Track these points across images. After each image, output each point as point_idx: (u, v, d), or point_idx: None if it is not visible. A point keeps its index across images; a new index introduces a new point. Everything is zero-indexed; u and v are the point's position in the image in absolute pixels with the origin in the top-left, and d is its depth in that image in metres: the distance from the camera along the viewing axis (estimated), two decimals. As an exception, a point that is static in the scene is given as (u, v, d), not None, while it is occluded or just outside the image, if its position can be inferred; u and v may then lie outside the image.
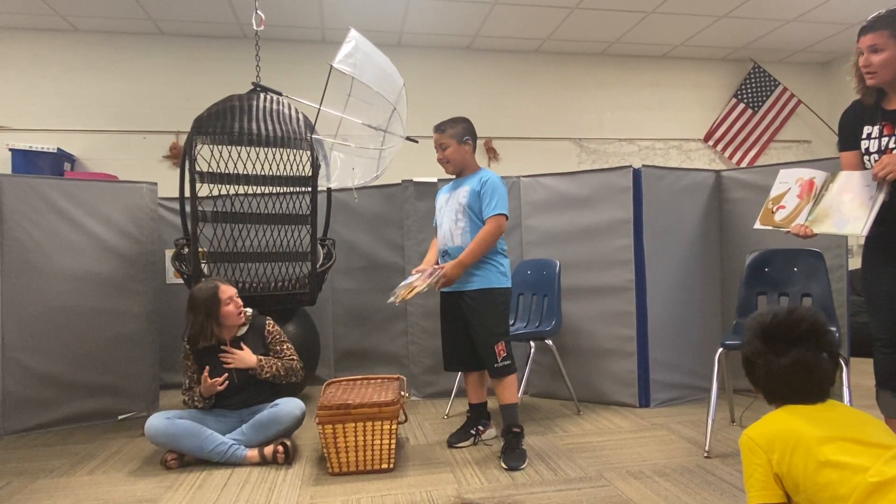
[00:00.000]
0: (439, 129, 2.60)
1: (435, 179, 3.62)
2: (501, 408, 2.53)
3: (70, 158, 4.86)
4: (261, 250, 3.25)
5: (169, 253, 4.05)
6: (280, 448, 2.48)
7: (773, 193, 2.52)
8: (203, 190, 3.07)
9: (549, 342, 3.11)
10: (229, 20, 4.82)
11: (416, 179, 3.63)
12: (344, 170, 3.36)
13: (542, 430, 2.92)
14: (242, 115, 3.00)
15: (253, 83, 3.34)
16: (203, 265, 3.27)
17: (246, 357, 2.63)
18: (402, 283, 2.55)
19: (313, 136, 3.02)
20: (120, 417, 3.32)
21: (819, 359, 1.35)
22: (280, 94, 3.32)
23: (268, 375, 2.65)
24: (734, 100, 5.71)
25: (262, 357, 2.66)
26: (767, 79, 5.66)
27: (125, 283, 3.38)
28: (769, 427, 1.35)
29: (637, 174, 3.31)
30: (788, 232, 2.38)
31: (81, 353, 3.23)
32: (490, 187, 2.52)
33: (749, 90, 5.67)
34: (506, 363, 2.49)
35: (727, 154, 5.68)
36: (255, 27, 3.37)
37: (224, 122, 2.96)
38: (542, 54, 5.58)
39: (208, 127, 2.95)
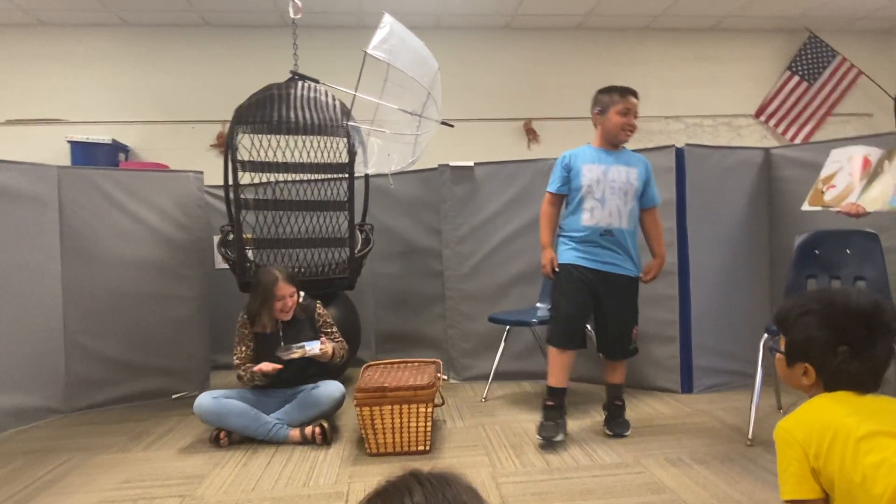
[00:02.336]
0: (636, 94, 2.59)
1: (471, 163, 3.61)
2: (615, 386, 2.65)
3: (124, 149, 5.06)
4: (301, 236, 3.33)
5: (217, 239, 4.19)
6: (318, 430, 2.56)
7: (824, 173, 2.40)
8: (245, 178, 3.16)
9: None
10: (270, 9, 4.89)
11: (452, 164, 3.63)
12: (381, 156, 3.39)
13: (581, 414, 2.91)
14: (281, 104, 3.05)
15: (291, 71, 3.39)
16: (249, 251, 3.38)
17: (327, 350, 2.69)
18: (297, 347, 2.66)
19: (349, 122, 3.05)
20: (174, 396, 3.49)
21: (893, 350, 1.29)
22: (317, 81, 3.36)
23: (333, 360, 2.75)
24: (788, 72, 5.43)
25: (333, 345, 2.74)
26: (824, 49, 5.35)
27: (176, 268, 3.53)
28: (808, 418, 1.29)
29: (680, 153, 3.21)
30: (839, 212, 2.27)
31: (137, 336, 3.40)
32: (652, 173, 2.66)
33: (804, 62, 5.38)
34: (636, 346, 2.66)
35: (780, 130, 5.42)
36: (291, 15, 3.41)
37: (263, 111, 3.03)
38: (583, 31, 5.43)
39: (248, 117, 3.02)
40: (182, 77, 5.21)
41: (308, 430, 2.58)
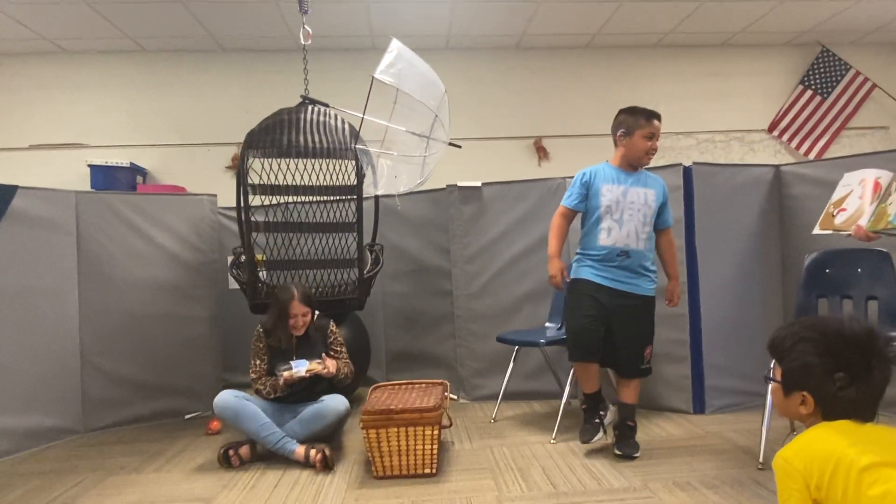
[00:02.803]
0: (660, 117, 2.61)
1: (479, 184, 3.63)
2: (625, 406, 2.62)
3: (142, 172, 5.18)
4: (311, 258, 3.37)
5: (230, 260, 4.26)
6: (319, 456, 2.53)
7: (835, 197, 2.39)
8: (255, 200, 3.22)
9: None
10: (283, 34, 4.99)
11: (460, 184, 3.65)
12: (390, 177, 3.43)
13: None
14: (290, 129, 3.11)
15: (301, 96, 3.45)
16: (261, 272, 3.43)
17: (331, 366, 2.77)
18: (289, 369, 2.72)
19: (357, 146, 3.10)
20: (186, 417, 3.53)
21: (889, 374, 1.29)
22: (327, 105, 3.42)
23: (337, 376, 2.82)
24: (801, 87, 5.39)
25: (338, 363, 2.82)
26: (837, 62, 5.31)
27: (189, 289, 3.59)
28: (808, 448, 1.27)
29: (688, 172, 3.20)
30: (849, 235, 2.25)
31: (151, 356, 3.46)
32: (668, 196, 2.67)
33: (817, 76, 5.34)
34: (649, 366, 2.63)
35: (794, 145, 5.37)
36: (302, 41, 3.49)
37: (273, 135, 3.09)
38: (592, 49, 5.46)
39: (259, 141, 3.08)
40: (198, 101, 5.33)
41: (312, 453, 2.58)
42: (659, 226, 2.66)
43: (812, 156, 5.30)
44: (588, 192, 2.61)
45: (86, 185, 4.83)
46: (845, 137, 5.39)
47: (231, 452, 2.63)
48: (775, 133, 5.41)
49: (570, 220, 2.69)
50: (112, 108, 5.26)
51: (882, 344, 1.30)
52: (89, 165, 4.89)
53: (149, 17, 4.59)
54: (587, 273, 2.59)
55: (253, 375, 2.82)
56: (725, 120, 5.45)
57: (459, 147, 3.41)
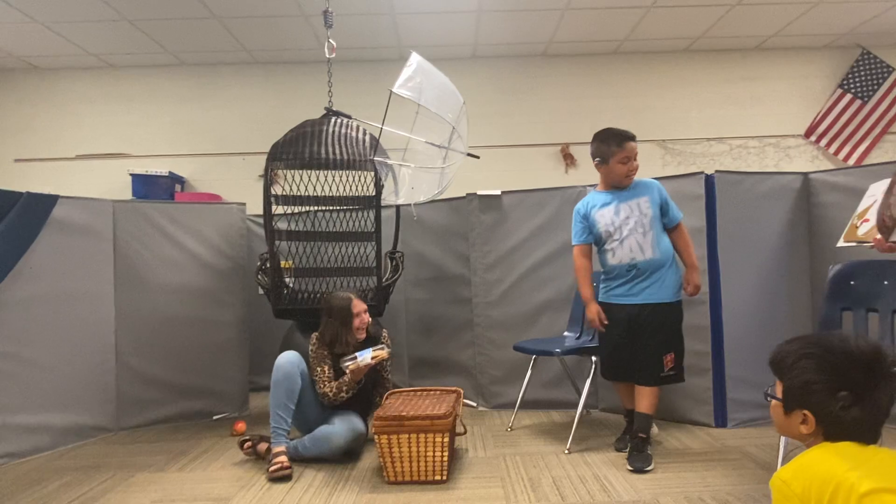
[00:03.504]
0: (633, 137, 2.67)
1: (498, 192, 3.65)
2: (641, 415, 2.62)
3: (180, 180, 5.40)
4: (332, 265, 3.45)
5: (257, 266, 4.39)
6: (276, 467, 2.56)
7: (860, 208, 2.33)
8: (281, 209, 3.32)
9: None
10: (314, 46, 5.13)
11: (480, 192, 3.68)
12: (409, 187, 3.49)
13: (607, 447, 2.86)
14: (313, 141, 3.20)
15: (325, 108, 3.55)
16: (288, 280, 3.53)
17: (382, 355, 2.76)
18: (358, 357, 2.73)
19: (376, 157, 3.17)
20: (215, 417, 3.65)
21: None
22: (349, 117, 3.51)
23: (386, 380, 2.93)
24: (840, 90, 5.21)
25: (387, 352, 2.81)
26: (879, 65, 5.12)
27: (219, 294, 3.72)
28: (807, 470, 1.23)
29: (710, 180, 3.15)
30: (872, 246, 2.19)
31: (182, 359, 3.60)
32: (665, 192, 2.70)
33: (857, 79, 5.16)
34: (671, 373, 2.62)
35: (832, 150, 5.20)
36: (327, 55, 3.58)
37: (296, 148, 3.18)
38: (620, 55, 5.42)
39: (282, 153, 3.18)
40: (234, 111, 5.52)
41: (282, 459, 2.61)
42: (667, 225, 2.68)
43: (851, 161, 5.12)
44: (588, 223, 2.74)
45: (128, 194, 5.07)
46: (887, 143, 5.19)
47: (247, 444, 2.80)
48: (812, 138, 5.25)
49: (589, 255, 2.79)
50: (153, 120, 5.50)
51: (889, 363, 1.27)
52: (131, 174, 5.12)
53: (187, 33, 4.80)
54: (604, 295, 2.75)
55: (321, 382, 2.78)
56: (760, 125, 5.32)
57: (478, 158, 3.44)
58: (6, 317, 2.94)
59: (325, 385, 2.77)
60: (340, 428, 2.71)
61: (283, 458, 2.59)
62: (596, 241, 2.75)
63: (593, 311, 2.69)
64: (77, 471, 2.77)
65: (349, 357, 2.74)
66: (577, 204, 2.82)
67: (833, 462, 1.20)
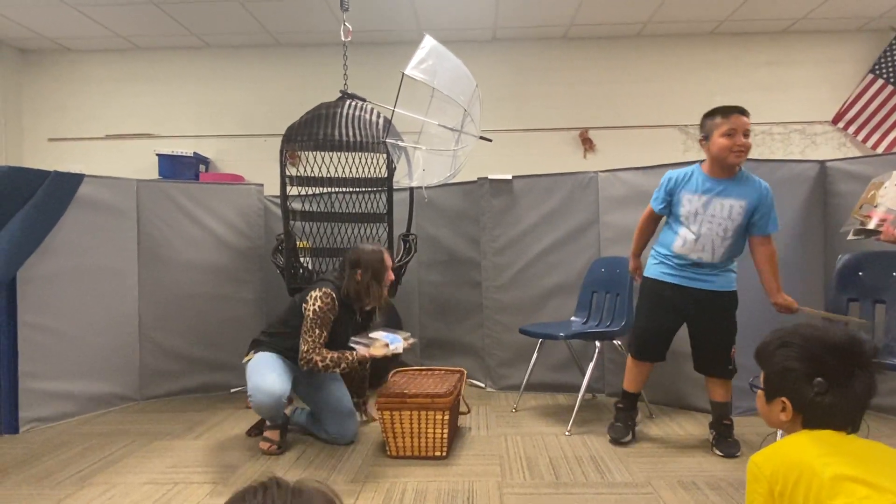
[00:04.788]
0: (743, 111, 2.41)
1: (510, 176, 3.67)
2: (719, 404, 2.61)
3: (204, 161, 5.53)
4: (346, 246, 3.53)
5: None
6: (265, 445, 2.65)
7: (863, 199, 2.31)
8: (296, 190, 3.40)
9: (618, 342, 3.07)
10: (334, 29, 5.14)
11: (491, 177, 3.70)
12: (423, 168, 3.54)
13: (603, 429, 2.90)
14: (327, 123, 3.27)
15: (341, 91, 3.60)
16: (304, 259, 3.63)
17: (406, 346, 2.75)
18: (376, 339, 2.67)
19: (387, 140, 3.21)
20: (232, 390, 3.80)
21: (874, 385, 1.27)
22: (364, 100, 3.56)
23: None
24: (871, 75, 5.05)
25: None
26: (913, 49, 4.94)
27: (237, 272, 3.85)
28: (779, 454, 1.27)
29: (722, 168, 3.11)
30: (879, 238, 2.19)
31: (201, 333, 3.74)
32: (769, 201, 2.44)
33: (890, 63, 4.98)
34: (734, 366, 2.58)
35: (861, 137, 5.05)
36: (342, 38, 3.63)
37: (311, 129, 3.25)
38: (643, 38, 5.33)
39: (297, 135, 3.26)
40: (257, 93, 5.61)
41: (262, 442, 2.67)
42: (752, 232, 2.45)
43: (881, 149, 4.98)
44: (672, 198, 2.56)
45: (154, 173, 5.22)
46: (920, 130, 5.02)
47: (253, 433, 2.85)
48: (840, 125, 5.11)
49: (656, 222, 2.68)
50: (179, 101, 5.63)
51: (866, 352, 1.29)
52: (157, 154, 5.27)
53: (211, 16, 4.88)
54: (657, 272, 2.58)
55: (311, 346, 2.57)
56: (785, 111, 5.19)
57: (490, 141, 3.46)
58: (35, 290, 3.10)
59: (315, 351, 2.56)
60: (346, 432, 2.74)
61: (276, 434, 2.65)
62: (672, 215, 2.58)
63: (632, 265, 2.74)
64: (100, 436, 2.93)
65: (369, 339, 2.64)
66: (672, 171, 2.58)
67: (806, 448, 1.23)
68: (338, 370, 2.63)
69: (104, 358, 3.41)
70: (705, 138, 2.47)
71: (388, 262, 2.76)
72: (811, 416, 1.32)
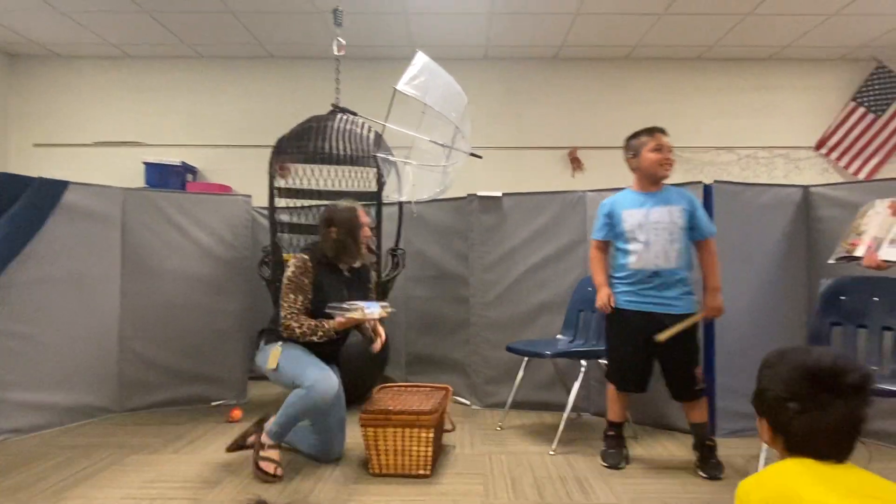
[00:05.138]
0: (664, 131, 2.63)
1: (499, 193, 3.69)
2: (697, 425, 2.62)
3: (192, 170, 5.49)
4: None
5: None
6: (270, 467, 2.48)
7: (853, 226, 2.35)
8: (284, 202, 3.39)
9: (604, 361, 3.07)
10: (327, 43, 5.16)
11: (480, 193, 3.72)
12: (413, 184, 3.55)
13: (592, 451, 2.88)
14: (317, 136, 3.27)
15: (332, 105, 3.61)
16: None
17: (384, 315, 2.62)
18: (354, 307, 2.53)
19: (378, 154, 3.22)
20: (213, 403, 3.74)
21: (865, 414, 1.22)
22: (355, 114, 3.57)
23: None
24: (853, 103, 5.17)
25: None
26: (894, 79, 5.06)
27: (222, 283, 3.80)
28: (768, 482, 1.25)
29: (708, 190, 3.16)
30: (860, 264, 2.22)
31: (184, 345, 3.69)
32: (700, 205, 2.64)
33: (871, 92, 5.10)
34: (703, 386, 2.61)
35: (843, 164, 5.15)
36: (335, 53, 3.65)
37: (301, 142, 3.25)
38: (632, 61, 5.41)
39: (287, 147, 3.25)
40: (248, 104, 5.60)
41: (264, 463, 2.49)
42: (695, 237, 2.62)
43: (862, 175, 5.08)
44: (612, 220, 2.68)
45: (142, 182, 5.17)
46: (900, 158, 5.13)
47: (234, 448, 2.67)
48: (823, 151, 5.21)
49: (606, 251, 2.76)
50: (170, 110, 5.60)
51: (848, 379, 1.23)
52: (144, 163, 5.23)
53: (204, 27, 4.89)
54: (622, 301, 2.64)
55: (289, 312, 2.52)
56: (769, 136, 5.29)
57: (480, 157, 3.48)
58: (15, 297, 3.04)
59: (293, 318, 2.52)
60: (334, 448, 2.65)
61: (277, 454, 2.50)
62: (616, 240, 2.68)
63: (605, 294, 2.64)
64: (77, 448, 2.86)
65: (346, 305, 2.52)
66: (605, 199, 2.75)
67: (795, 476, 1.21)
68: (315, 338, 2.53)
69: (83, 368, 3.34)
70: (634, 156, 2.65)
71: (363, 217, 2.70)
72: (790, 440, 1.31)
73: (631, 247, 2.59)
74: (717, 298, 2.60)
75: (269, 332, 2.73)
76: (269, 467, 2.46)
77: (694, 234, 2.61)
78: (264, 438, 2.55)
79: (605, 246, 2.75)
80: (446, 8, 4.50)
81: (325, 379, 2.48)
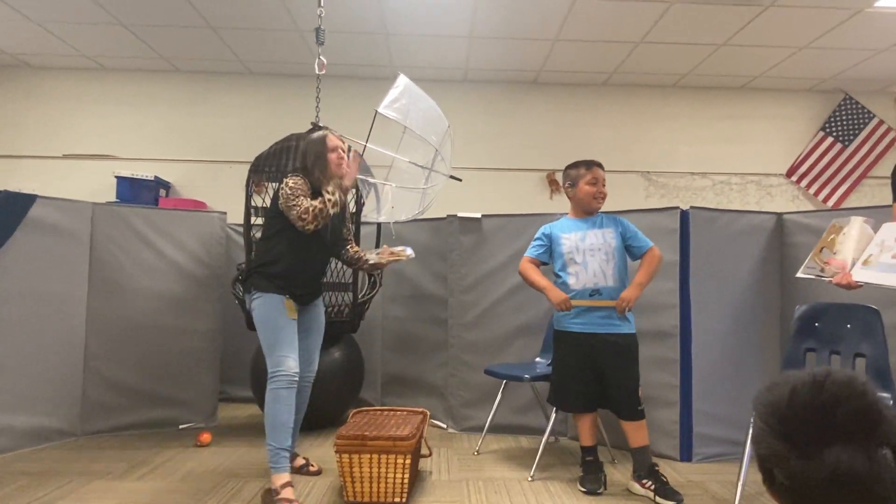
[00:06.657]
0: (601, 165, 2.78)
1: (479, 215, 3.68)
2: (639, 449, 2.62)
3: (166, 185, 5.39)
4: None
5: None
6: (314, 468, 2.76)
7: (821, 243, 2.38)
8: (261, 220, 3.32)
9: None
10: (307, 60, 5.17)
11: (460, 214, 3.71)
12: (392, 205, 3.51)
13: (570, 476, 2.85)
14: (296, 154, 3.22)
15: (312, 123, 3.57)
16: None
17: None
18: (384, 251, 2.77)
19: (357, 176, 3.18)
20: (181, 427, 3.61)
21: (875, 461, 0.80)
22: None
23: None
24: (822, 133, 5.33)
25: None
26: (860, 111, 5.24)
27: (194, 302, 3.70)
28: None
29: (685, 216, 3.20)
30: (830, 281, 2.26)
31: (152, 365, 3.57)
32: (631, 226, 2.78)
33: (839, 123, 5.27)
34: (643, 406, 2.65)
35: (812, 191, 5.29)
36: (317, 71, 3.62)
37: (279, 161, 3.20)
38: (610, 87, 5.51)
39: (265, 165, 3.20)
40: (225, 120, 5.54)
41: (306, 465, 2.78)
42: (636, 254, 2.74)
43: (831, 203, 5.22)
44: (550, 242, 2.81)
45: (112, 196, 5.05)
46: (866, 186, 5.29)
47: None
48: (794, 178, 5.34)
49: (537, 267, 2.83)
50: (144, 124, 5.51)
51: (846, 411, 0.82)
52: (116, 177, 5.11)
53: (182, 41, 4.83)
54: (568, 322, 2.71)
55: (299, 204, 2.41)
56: (743, 163, 5.42)
57: (460, 180, 3.46)
58: (-27, 314, 2.91)
59: (303, 200, 2.43)
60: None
61: (290, 493, 2.36)
62: (554, 262, 2.79)
63: (557, 293, 2.64)
64: (34, 475, 2.73)
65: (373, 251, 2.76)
66: (544, 225, 2.89)
67: None
68: (336, 208, 2.51)
69: (43, 389, 3.21)
70: (571, 186, 2.80)
71: (334, 141, 2.61)
72: (778, 490, 1.19)
73: (570, 269, 2.71)
74: (631, 291, 2.62)
75: (250, 273, 2.63)
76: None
77: (634, 251, 2.73)
78: (273, 483, 2.39)
79: (537, 265, 2.82)
80: (427, 30, 4.53)
81: (287, 367, 2.46)
